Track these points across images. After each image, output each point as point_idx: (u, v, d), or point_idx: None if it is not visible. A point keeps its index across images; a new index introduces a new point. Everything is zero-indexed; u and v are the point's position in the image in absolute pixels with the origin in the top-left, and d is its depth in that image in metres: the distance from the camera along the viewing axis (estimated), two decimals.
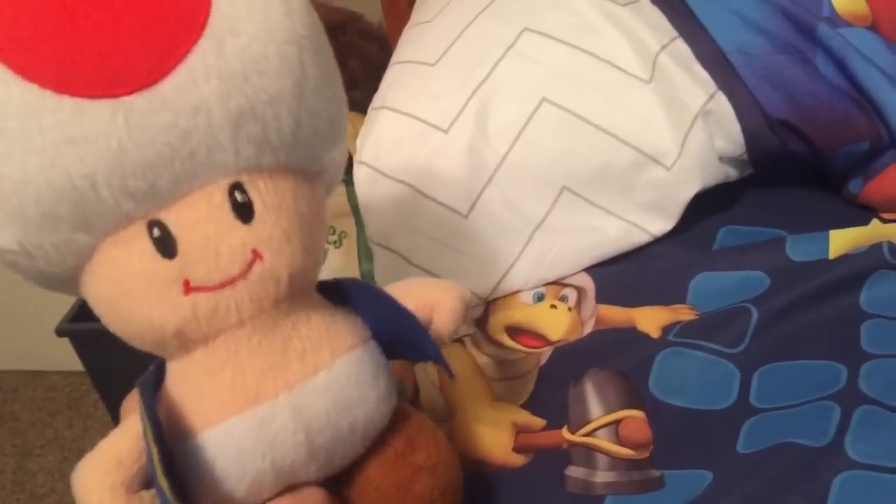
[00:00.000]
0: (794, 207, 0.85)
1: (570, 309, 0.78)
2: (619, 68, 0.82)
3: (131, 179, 0.44)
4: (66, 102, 0.42)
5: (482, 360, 0.76)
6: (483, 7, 0.89)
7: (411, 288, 0.59)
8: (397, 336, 0.56)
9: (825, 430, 0.60)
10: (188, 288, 0.46)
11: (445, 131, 0.82)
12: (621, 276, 0.80)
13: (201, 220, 0.46)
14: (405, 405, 0.59)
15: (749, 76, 0.83)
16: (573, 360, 0.72)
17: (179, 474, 0.48)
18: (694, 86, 0.83)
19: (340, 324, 0.53)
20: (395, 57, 0.95)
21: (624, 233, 0.82)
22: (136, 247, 0.46)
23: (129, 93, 0.43)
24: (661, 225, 0.82)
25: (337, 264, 0.97)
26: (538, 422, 0.67)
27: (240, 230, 0.46)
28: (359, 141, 0.88)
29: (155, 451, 0.46)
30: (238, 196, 0.46)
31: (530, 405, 0.69)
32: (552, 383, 0.70)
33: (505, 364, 0.75)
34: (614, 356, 0.71)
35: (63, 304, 1.15)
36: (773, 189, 0.87)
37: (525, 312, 0.79)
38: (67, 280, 0.49)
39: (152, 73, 0.44)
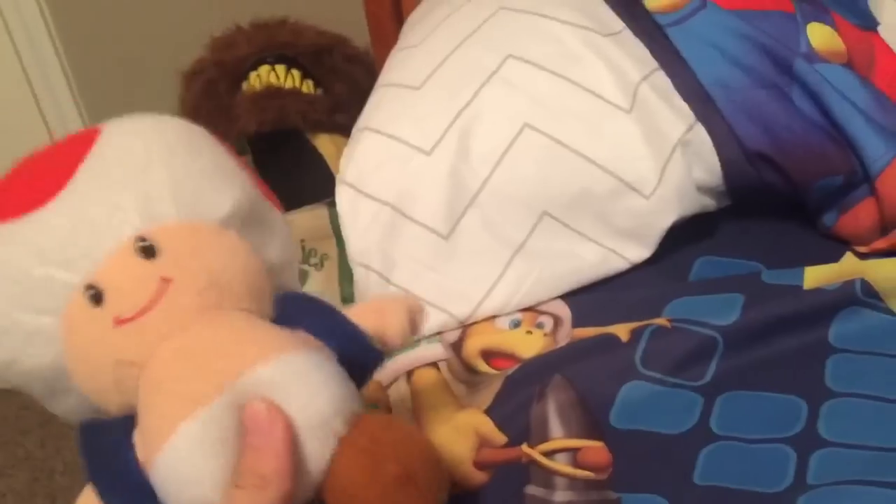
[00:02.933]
0: (770, 239, 0.86)
1: (545, 335, 0.79)
2: (600, 97, 0.83)
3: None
4: None
5: (458, 388, 0.76)
6: (469, 34, 0.90)
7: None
8: (344, 349, 0.54)
9: (781, 476, 0.60)
10: (117, 321, 0.49)
11: (428, 153, 0.82)
12: (597, 302, 0.81)
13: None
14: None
15: (728, 109, 0.84)
16: (541, 366, 0.72)
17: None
18: (673, 116, 0.84)
19: (271, 328, 0.51)
20: (381, 80, 0.96)
21: (602, 259, 0.83)
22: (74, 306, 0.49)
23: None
24: (638, 252, 0.83)
25: (318, 287, 0.97)
26: (500, 437, 0.67)
27: (145, 265, 0.49)
28: (342, 161, 0.88)
29: None
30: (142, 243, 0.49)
31: (493, 411, 0.69)
32: (516, 389, 0.70)
33: (476, 383, 0.75)
34: (581, 363, 0.71)
35: None
36: (750, 220, 0.88)
37: (501, 337, 0.80)
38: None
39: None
